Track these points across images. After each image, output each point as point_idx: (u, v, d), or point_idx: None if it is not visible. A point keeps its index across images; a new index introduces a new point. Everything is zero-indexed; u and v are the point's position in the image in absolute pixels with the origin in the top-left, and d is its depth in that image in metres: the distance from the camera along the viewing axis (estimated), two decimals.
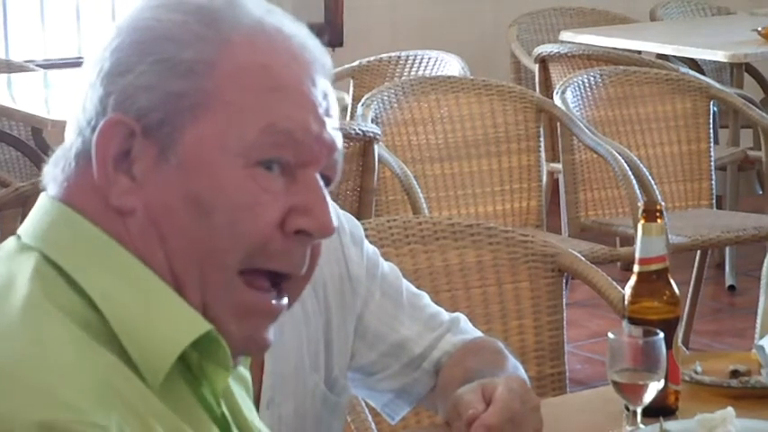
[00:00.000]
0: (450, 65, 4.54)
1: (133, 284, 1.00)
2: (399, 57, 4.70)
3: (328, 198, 1.02)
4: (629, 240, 3.47)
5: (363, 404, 1.87)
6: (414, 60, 4.69)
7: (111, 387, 0.94)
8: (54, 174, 1.04)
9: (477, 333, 1.76)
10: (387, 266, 1.70)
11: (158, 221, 1.00)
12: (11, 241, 1.05)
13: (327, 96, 1.04)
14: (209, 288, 1.01)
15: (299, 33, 1.05)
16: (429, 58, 4.68)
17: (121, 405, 0.94)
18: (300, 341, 1.59)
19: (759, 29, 4.81)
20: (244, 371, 1.11)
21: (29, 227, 1.04)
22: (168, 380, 0.97)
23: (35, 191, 2.36)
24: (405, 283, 1.72)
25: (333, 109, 1.02)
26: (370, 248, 1.68)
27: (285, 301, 1.03)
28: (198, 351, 1.00)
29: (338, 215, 1.68)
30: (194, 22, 1.02)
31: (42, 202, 1.05)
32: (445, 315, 1.74)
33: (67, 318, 0.97)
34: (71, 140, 1.02)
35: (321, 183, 1.00)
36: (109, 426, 0.90)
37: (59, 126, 3.63)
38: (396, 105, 3.72)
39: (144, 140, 0.99)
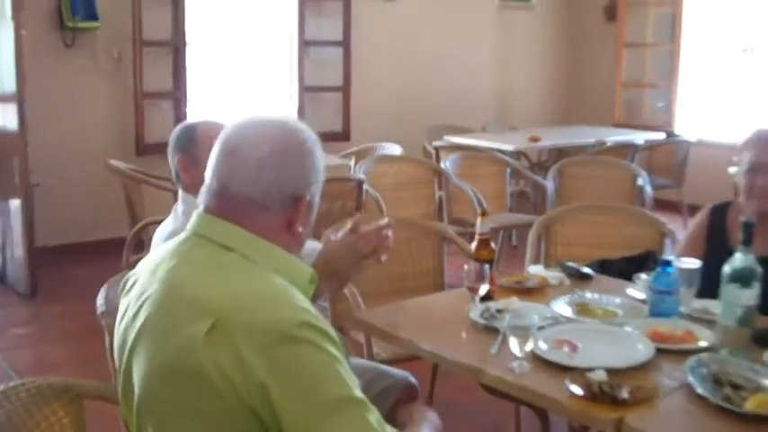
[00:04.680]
0: (396, 149, 5.95)
1: (289, 261, 1.36)
2: (374, 146, 6.00)
3: None
4: (473, 226, 3.32)
5: None
6: (380, 147, 5.97)
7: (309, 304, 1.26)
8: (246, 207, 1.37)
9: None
10: None
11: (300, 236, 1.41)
12: (190, 236, 1.38)
13: None
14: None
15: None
16: (386, 146, 6.01)
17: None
18: None
19: (529, 135, 6.65)
20: None
21: (206, 229, 1.37)
22: None
23: None
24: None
25: None
26: None
27: None
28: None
29: None
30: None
31: (202, 215, 1.38)
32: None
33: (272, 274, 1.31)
34: (259, 193, 1.39)
35: None
36: (327, 327, 1.22)
37: None
38: (372, 167, 4.87)
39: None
